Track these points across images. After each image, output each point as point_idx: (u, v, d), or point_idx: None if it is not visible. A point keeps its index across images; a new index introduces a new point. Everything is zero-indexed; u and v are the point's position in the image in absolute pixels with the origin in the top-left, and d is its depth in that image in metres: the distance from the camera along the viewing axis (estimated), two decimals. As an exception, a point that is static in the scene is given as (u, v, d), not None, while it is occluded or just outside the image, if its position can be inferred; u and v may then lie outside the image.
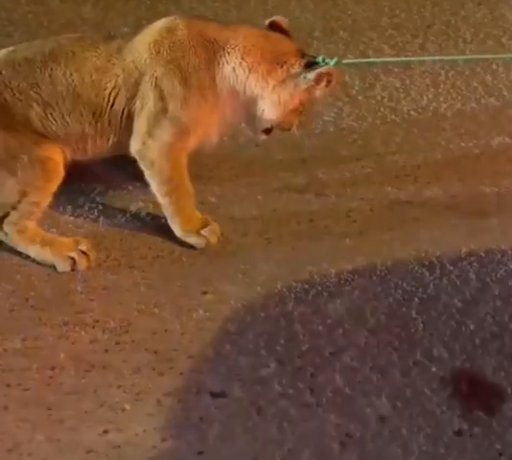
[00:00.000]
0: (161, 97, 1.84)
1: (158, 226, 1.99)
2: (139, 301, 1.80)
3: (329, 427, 1.54)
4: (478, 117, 2.52)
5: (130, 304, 1.78)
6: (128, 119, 1.86)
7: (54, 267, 1.86)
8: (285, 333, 1.73)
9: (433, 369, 1.67)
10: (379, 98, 2.59)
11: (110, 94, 1.86)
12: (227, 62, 1.86)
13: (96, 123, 1.87)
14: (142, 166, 1.89)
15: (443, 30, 2.97)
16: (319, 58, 1.95)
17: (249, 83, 1.87)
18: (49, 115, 1.86)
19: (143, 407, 1.56)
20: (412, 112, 2.53)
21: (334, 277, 1.87)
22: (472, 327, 1.77)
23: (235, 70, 1.86)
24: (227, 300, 1.81)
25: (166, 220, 1.98)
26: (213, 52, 1.87)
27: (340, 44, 2.88)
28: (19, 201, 1.85)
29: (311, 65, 1.91)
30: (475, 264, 1.94)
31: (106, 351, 1.67)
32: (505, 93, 2.65)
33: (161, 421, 1.53)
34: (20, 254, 1.90)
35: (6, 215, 1.86)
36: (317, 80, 1.90)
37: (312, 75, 1.89)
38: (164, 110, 1.84)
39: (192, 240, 1.92)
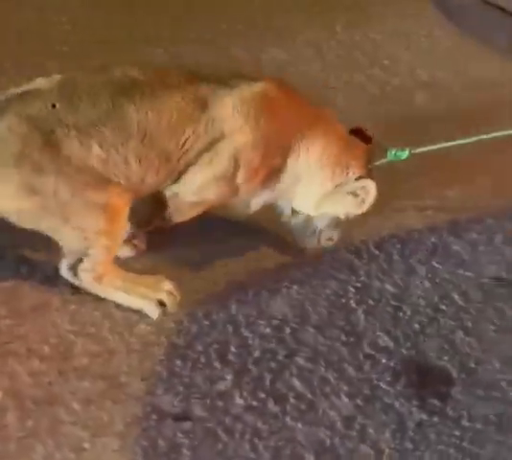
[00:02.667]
0: (236, 165, 1.61)
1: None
2: (72, 320, 1.60)
3: (300, 437, 1.48)
4: (367, 88, 2.51)
5: (63, 325, 1.59)
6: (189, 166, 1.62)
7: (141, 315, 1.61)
8: (234, 340, 1.62)
9: (383, 360, 1.63)
10: (267, 71, 2.48)
11: (187, 141, 1.58)
12: (307, 151, 1.67)
13: (159, 167, 1.59)
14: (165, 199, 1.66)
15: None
16: (391, 152, 1.77)
17: (315, 179, 1.69)
18: (110, 157, 1.54)
19: (105, 443, 1.40)
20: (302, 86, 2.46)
21: (268, 273, 1.80)
22: (408, 312, 1.76)
23: (310, 164, 1.68)
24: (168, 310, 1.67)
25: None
26: (298, 135, 1.66)
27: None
28: (86, 248, 1.56)
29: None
30: (397, 245, 1.94)
31: (50, 383, 1.48)
32: (386, 62, 2.66)
33: (127, 455, 1.39)
34: None
35: (79, 261, 1.58)
36: (354, 194, 1.73)
37: (350, 187, 1.72)
38: (231, 176, 1.62)
39: None
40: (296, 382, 1.58)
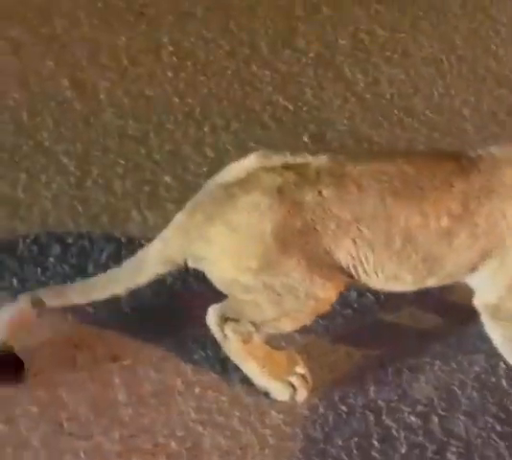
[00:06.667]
0: None
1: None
2: (198, 408, 1.39)
3: None
4: (498, 115, 2.20)
5: (189, 413, 1.38)
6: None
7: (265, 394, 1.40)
8: (377, 432, 1.39)
9: (547, 458, 1.42)
10: (388, 96, 2.21)
11: (461, 244, 1.34)
12: None
13: (419, 267, 1.36)
14: (486, 314, 1.44)
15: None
16: None
17: None
18: (362, 256, 1.34)
19: None
20: (428, 112, 2.18)
21: (407, 346, 1.54)
22: None
23: None
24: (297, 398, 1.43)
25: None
26: None
27: (328, 25, 2.46)
28: (263, 322, 1.37)
29: None
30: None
31: (179, 484, 1.31)
32: (516, 82, 2.34)
33: None
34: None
35: (236, 320, 1.38)
36: None
37: None
38: None
39: None
40: (451, 486, 1.36)
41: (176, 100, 2.04)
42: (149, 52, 2.19)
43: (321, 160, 1.34)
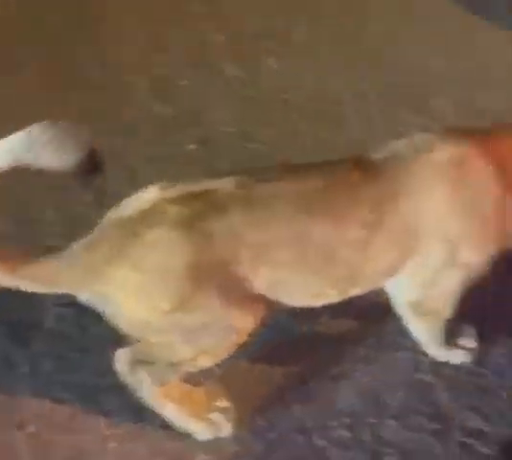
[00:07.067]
0: (452, 250, 1.29)
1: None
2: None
3: None
4: (374, 97, 2.12)
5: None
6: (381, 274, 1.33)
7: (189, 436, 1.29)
8: (310, 454, 1.30)
9: (482, 449, 1.35)
10: (268, 90, 2.07)
11: (378, 251, 1.27)
12: None
13: (341, 281, 1.28)
14: (409, 312, 1.39)
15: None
16: None
17: None
18: (282, 279, 1.24)
19: None
20: (310, 103, 2.06)
21: (325, 354, 1.46)
22: (494, 379, 1.47)
23: None
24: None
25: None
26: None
27: (200, 22, 2.32)
28: (180, 363, 1.25)
29: None
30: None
31: None
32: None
33: None
34: None
35: (150, 363, 1.25)
36: None
37: None
38: (453, 259, 1.30)
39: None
40: (393, 495, 1.31)
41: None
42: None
43: (227, 185, 1.23)
